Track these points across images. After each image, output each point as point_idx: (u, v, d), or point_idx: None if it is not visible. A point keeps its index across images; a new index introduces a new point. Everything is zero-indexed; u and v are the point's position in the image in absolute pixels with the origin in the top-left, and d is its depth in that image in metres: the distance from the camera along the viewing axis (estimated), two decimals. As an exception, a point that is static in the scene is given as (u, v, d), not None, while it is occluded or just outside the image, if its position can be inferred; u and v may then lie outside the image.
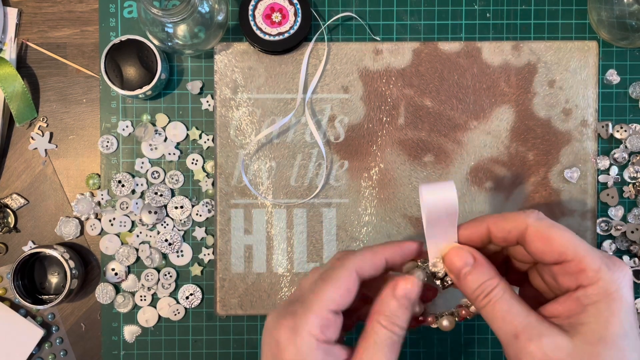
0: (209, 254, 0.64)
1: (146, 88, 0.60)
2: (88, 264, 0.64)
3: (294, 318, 0.39)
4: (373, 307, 0.41)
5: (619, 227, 0.63)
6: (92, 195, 0.64)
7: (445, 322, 0.43)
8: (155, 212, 0.63)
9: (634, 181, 0.63)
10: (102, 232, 0.64)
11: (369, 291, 0.44)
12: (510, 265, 0.45)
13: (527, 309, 0.38)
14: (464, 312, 0.44)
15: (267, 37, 0.61)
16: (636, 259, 0.63)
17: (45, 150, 0.64)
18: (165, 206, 0.63)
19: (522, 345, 0.37)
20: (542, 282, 0.42)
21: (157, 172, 0.63)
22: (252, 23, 0.61)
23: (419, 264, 0.43)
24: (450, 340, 0.64)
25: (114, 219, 0.63)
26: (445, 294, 0.47)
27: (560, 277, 0.39)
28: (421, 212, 0.42)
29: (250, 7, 0.61)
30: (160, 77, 0.61)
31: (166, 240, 0.63)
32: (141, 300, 0.63)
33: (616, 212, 0.63)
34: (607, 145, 0.64)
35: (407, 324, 0.41)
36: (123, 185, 0.63)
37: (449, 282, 0.42)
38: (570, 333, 0.37)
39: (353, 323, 0.47)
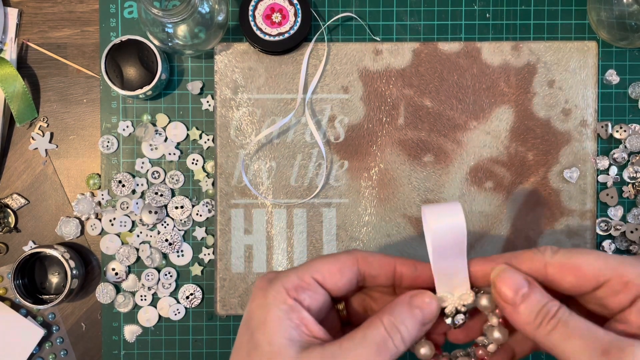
0: (209, 254, 0.64)
1: (146, 88, 0.60)
2: (88, 264, 0.64)
3: (276, 274, 0.39)
4: (381, 309, 0.38)
5: (618, 227, 0.63)
6: (93, 195, 0.64)
7: None
8: (156, 212, 0.63)
9: (633, 181, 0.63)
10: (103, 232, 0.64)
11: (375, 305, 0.42)
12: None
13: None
14: (480, 352, 0.39)
15: (267, 38, 0.61)
16: (635, 259, 0.63)
17: (46, 150, 0.64)
18: (166, 206, 0.64)
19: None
20: (586, 311, 0.39)
21: (157, 172, 0.64)
22: (252, 23, 0.61)
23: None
24: None
25: (114, 218, 0.64)
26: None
27: (606, 300, 0.36)
28: (425, 237, 0.39)
29: (250, 8, 0.61)
30: (160, 78, 0.61)
31: (166, 240, 0.63)
32: (141, 300, 0.64)
33: (615, 212, 0.63)
34: (606, 145, 0.64)
35: (410, 343, 0.37)
36: (123, 185, 0.63)
37: (460, 322, 0.38)
38: None
39: None
